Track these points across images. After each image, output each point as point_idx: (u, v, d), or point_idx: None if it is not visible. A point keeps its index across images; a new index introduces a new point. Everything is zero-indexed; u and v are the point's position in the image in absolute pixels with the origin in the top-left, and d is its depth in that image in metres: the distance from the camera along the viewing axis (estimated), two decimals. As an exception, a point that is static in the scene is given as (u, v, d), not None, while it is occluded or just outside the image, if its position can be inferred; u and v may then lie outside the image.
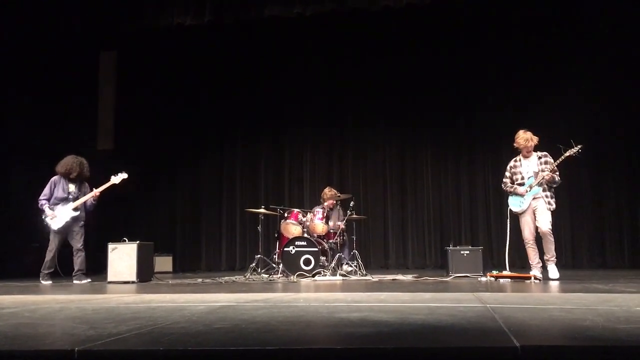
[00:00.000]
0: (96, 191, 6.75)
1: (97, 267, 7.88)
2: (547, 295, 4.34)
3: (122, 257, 6.59)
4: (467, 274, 6.48)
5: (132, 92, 10.10)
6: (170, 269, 9.29)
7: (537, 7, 8.80)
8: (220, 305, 3.42)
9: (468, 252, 6.73)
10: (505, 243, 6.29)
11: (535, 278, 5.65)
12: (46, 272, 6.62)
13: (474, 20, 9.12)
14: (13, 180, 8.77)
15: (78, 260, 6.71)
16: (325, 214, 7.33)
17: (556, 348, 1.97)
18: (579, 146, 5.66)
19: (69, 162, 6.76)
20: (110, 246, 6.70)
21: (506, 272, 6.11)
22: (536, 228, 5.85)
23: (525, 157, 6.00)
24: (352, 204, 7.21)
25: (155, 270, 7.56)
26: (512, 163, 6.13)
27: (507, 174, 6.13)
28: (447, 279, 6.30)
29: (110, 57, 10.17)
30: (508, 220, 6.14)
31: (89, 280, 6.69)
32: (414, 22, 9.19)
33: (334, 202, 7.71)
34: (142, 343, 2.12)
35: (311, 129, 10.17)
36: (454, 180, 9.65)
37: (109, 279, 6.58)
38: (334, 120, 10.10)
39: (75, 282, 6.61)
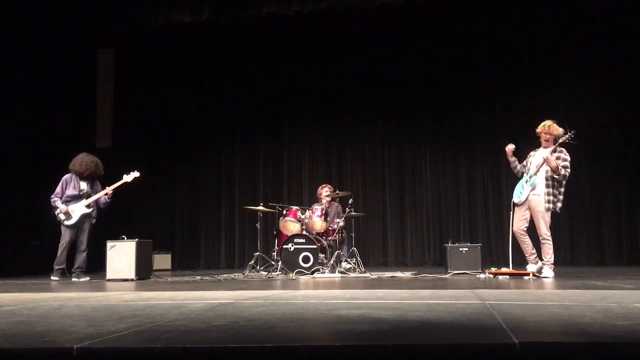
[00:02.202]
0: (108, 189, 6.78)
1: (96, 265, 7.88)
2: (546, 292, 4.34)
3: (121, 255, 6.58)
4: (466, 271, 6.46)
5: (131, 90, 10.10)
6: (169, 267, 9.30)
7: (537, 5, 8.80)
8: (219, 303, 3.42)
9: (467, 249, 6.72)
10: (508, 238, 6.20)
11: (534, 275, 5.65)
12: (57, 267, 6.67)
13: (472, 18, 9.11)
14: (12, 179, 8.77)
15: (80, 258, 6.76)
16: (324, 211, 7.33)
17: (555, 344, 1.98)
18: (572, 132, 5.53)
19: (83, 160, 6.78)
20: (109, 244, 6.69)
21: (505, 269, 6.11)
22: (527, 224, 5.76)
23: (543, 147, 5.84)
24: (350, 201, 7.21)
25: (154, 268, 7.57)
26: (531, 152, 6.02)
27: (525, 161, 6.02)
28: (446, 276, 6.31)
29: (108, 55, 10.17)
30: (511, 213, 6.00)
31: (88, 278, 6.71)
32: (413, 19, 9.19)
33: (330, 199, 7.70)
34: (141, 341, 2.12)
35: (310, 127, 10.17)
36: (452, 178, 9.65)
37: (108, 276, 6.57)
38: (332, 118, 10.09)
39: (73, 279, 6.64)
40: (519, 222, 5.81)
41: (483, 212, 9.44)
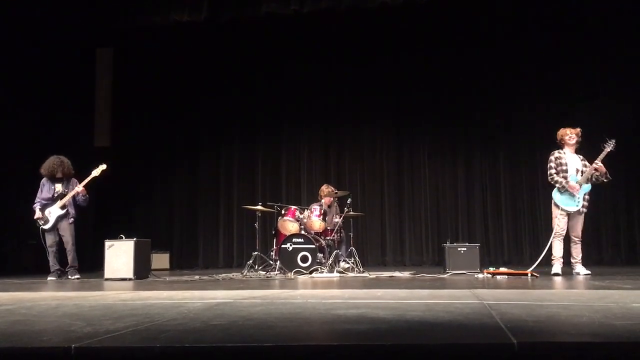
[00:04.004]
0: (77, 188, 6.83)
1: (94, 264, 7.88)
2: (544, 291, 4.34)
3: (119, 254, 6.58)
4: (464, 271, 6.48)
5: (129, 89, 10.09)
6: (168, 266, 9.30)
7: (537, 6, 8.80)
8: (217, 302, 3.42)
9: (465, 249, 6.73)
10: (546, 239, 6.19)
11: (533, 274, 5.66)
12: (52, 270, 6.83)
13: (472, 18, 9.11)
14: (10, 178, 8.76)
15: (70, 257, 6.84)
16: (322, 211, 7.33)
17: (553, 344, 1.98)
18: (613, 140, 5.78)
19: (50, 163, 6.87)
20: (107, 243, 6.69)
21: (503, 269, 6.12)
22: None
23: (573, 151, 6.00)
24: (349, 200, 7.21)
25: (153, 267, 7.56)
26: (556, 154, 6.01)
27: (552, 164, 5.98)
28: (444, 275, 6.31)
29: (106, 54, 10.15)
30: (557, 219, 5.95)
31: (78, 276, 6.76)
32: (412, 19, 9.19)
33: (332, 199, 7.71)
34: (139, 340, 2.12)
35: (309, 127, 10.15)
36: (451, 177, 9.65)
37: (106, 276, 6.57)
38: (331, 117, 10.08)
39: (69, 277, 6.74)
40: (577, 226, 5.96)
41: (481, 212, 9.44)
